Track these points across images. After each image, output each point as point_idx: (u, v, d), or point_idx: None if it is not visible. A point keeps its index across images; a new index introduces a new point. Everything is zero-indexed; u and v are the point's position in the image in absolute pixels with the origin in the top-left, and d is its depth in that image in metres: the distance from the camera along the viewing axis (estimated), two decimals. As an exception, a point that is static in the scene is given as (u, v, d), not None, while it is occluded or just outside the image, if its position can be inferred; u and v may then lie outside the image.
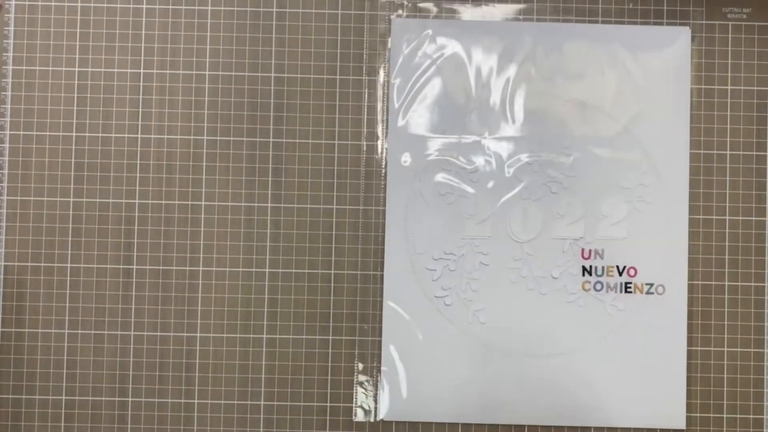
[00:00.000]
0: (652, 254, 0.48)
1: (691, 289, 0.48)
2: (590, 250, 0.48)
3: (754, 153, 0.48)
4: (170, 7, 0.49)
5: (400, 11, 0.49)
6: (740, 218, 0.48)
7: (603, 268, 0.48)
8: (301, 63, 0.49)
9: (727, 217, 0.48)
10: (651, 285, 0.48)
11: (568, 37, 0.49)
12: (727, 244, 0.48)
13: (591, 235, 0.48)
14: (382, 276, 0.48)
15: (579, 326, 0.48)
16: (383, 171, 0.49)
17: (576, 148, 0.48)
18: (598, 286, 0.48)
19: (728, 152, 0.48)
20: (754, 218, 0.48)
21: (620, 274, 0.48)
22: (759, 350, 0.48)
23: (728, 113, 0.48)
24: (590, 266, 0.48)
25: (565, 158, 0.48)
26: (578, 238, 0.48)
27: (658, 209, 0.48)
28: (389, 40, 0.49)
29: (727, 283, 0.48)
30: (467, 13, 0.49)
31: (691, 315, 0.48)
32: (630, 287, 0.48)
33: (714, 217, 0.48)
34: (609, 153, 0.48)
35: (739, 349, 0.48)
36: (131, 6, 0.49)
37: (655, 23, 0.49)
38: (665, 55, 0.48)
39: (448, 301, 0.48)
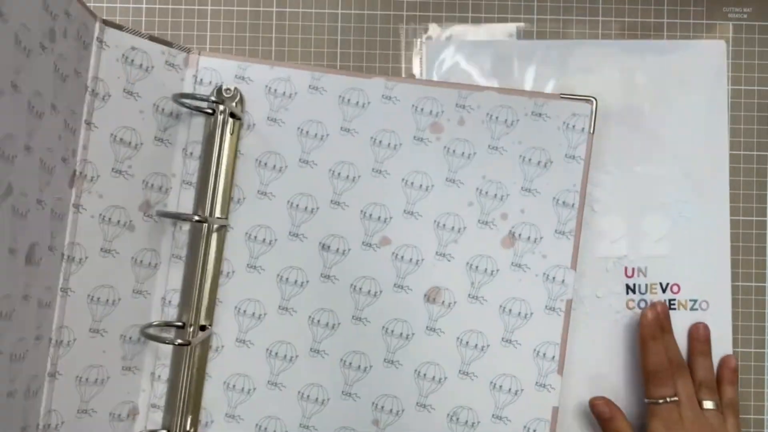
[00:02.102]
0: (695, 270, 0.47)
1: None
2: (633, 269, 0.47)
3: (755, 153, 0.48)
4: (170, 7, 0.48)
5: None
6: (741, 218, 0.48)
7: (646, 285, 0.47)
8: (301, 63, 0.49)
9: (728, 218, 0.48)
10: (695, 301, 0.47)
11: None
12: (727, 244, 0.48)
13: (634, 253, 0.47)
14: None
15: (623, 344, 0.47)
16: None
17: (614, 164, 0.47)
18: (642, 304, 0.47)
19: (729, 152, 0.48)
20: (754, 218, 0.48)
21: (663, 291, 0.47)
22: (759, 350, 0.48)
23: (728, 113, 0.48)
24: (633, 284, 0.47)
25: (605, 176, 0.47)
26: (621, 256, 0.47)
27: (699, 224, 0.47)
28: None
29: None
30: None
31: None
32: (674, 304, 0.47)
33: (715, 217, 0.48)
34: (646, 169, 0.47)
35: (739, 349, 0.48)
36: (131, 6, 0.49)
37: (655, 23, 0.49)
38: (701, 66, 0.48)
39: None
